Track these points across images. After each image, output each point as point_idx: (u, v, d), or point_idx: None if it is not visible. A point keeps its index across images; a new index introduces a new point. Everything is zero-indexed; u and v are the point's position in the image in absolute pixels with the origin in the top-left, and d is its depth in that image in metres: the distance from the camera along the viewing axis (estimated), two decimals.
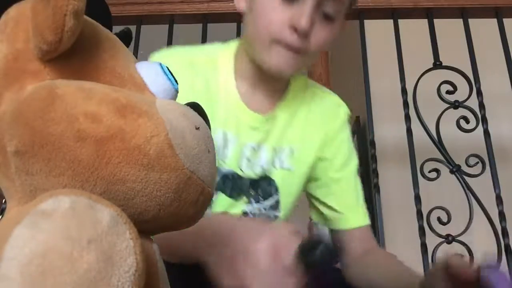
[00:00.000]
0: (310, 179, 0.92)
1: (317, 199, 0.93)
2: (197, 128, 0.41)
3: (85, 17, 0.41)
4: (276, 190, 0.88)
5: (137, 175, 0.37)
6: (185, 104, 0.44)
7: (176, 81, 0.45)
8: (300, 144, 0.90)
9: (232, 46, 0.89)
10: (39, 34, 0.37)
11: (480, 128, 1.27)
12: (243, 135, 0.85)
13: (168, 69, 0.46)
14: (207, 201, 0.43)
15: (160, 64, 0.46)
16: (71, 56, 0.40)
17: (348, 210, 0.91)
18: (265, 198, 0.87)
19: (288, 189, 0.89)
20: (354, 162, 0.94)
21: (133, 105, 0.38)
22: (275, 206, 0.87)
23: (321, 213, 0.93)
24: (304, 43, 0.75)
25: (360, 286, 0.78)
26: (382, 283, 0.80)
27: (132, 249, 0.32)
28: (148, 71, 0.45)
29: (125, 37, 0.50)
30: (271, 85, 0.86)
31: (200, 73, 0.84)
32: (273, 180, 0.87)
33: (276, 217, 0.87)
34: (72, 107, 0.36)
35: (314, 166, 0.91)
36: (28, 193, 0.37)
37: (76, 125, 0.36)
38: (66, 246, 0.29)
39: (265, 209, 0.87)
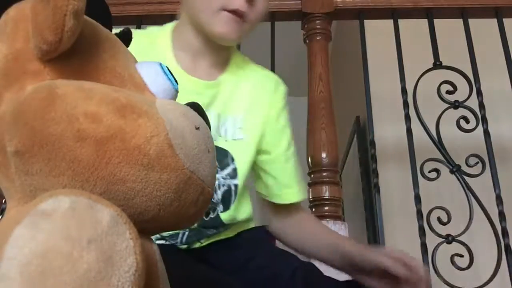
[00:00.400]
0: (258, 151, 0.96)
1: (263, 170, 0.97)
2: (197, 128, 0.41)
3: (85, 17, 0.41)
4: (232, 160, 0.90)
5: (137, 175, 0.37)
6: (185, 104, 0.44)
7: (176, 81, 0.45)
8: (245, 115, 0.93)
9: (168, 26, 0.95)
10: (39, 34, 0.37)
11: (480, 128, 1.27)
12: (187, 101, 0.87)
13: (168, 69, 0.46)
14: (207, 201, 0.43)
15: (160, 64, 0.46)
16: (71, 56, 0.40)
17: (288, 185, 0.97)
18: (222, 168, 0.89)
19: (242, 158, 0.91)
20: (292, 141, 1.01)
21: (133, 105, 0.38)
22: (233, 174, 0.90)
23: (265, 184, 0.98)
24: (250, 8, 0.83)
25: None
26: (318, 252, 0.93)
27: (132, 249, 0.32)
28: (148, 71, 0.45)
29: (125, 37, 0.50)
30: (214, 55, 0.91)
31: (144, 54, 0.85)
32: (227, 151, 0.90)
33: (235, 186, 0.89)
34: (72, 107, 0.36)
35: (261, 139, 0.95)
36: (28, 193, 0.37)
37: (76, 125, 0.36)
38: (66, 246, 0.29)
39: (224, 178, 0.89)
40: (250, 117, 0.93)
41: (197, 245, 0.85)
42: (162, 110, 0.40)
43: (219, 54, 0.92)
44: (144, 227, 0.39)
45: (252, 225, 0.95)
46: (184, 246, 0.85)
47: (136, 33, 0.86)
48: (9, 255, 0.29)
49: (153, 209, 0.38)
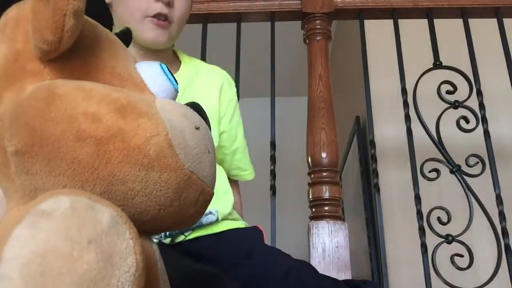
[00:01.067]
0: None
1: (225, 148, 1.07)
2: (197, 128, 0.41)
3: (85, 17, 0.41)
4: None
5: (137, 175, 0.37)
6: (185, 104, 0.44)
7: (176, 81, 0.45)
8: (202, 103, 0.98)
9: None
10: (39, 34, 0.37)
11: (480, 128, 1.27)
12: None
13: (168, 69, 0.46)
14: (208, 201, 0.43)
15: (160, 64, 0.46)
16: (71, 56, 0.40)
17: (244, 168, 1.11)
18: None
19: None
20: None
21: (133, 105, 0.38)
22: None
23: (226, 163, 1.08)
24: (170, 11, 0.91)
25: None
26: None
27: (132, 249, 0.32)
28: (148, 71, 0.45)
29: (125, 37, 0.50)
30: (156, 58, 0.94)
31: None
32: None
33: None
34: (72, 107, 0.36)
35: (219, 125, 1.03)
36: (28, 193, 0.37)
37: (76, 125, 0.36)
38: (66, 246, 0.29)
39: None
40: (207, 107, 0.96)
41: (181, 238, 0.85)
42: (162, 110, 0.40)
43: (160, 56, 0.96)
44: (144, 227, 0.39)
45: (242, 225, 0.95)
46: (168, 240, 0.85)
47: None
48: (9, 255, 0.29)
49: (153, 209, 0.38)
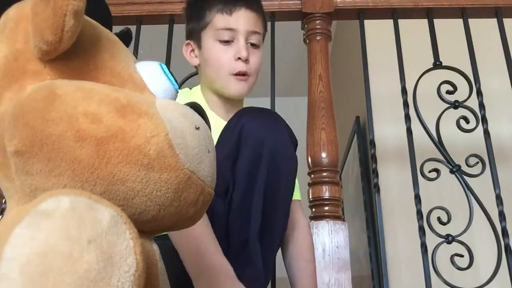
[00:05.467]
0: None
1: None
2: (197, 128, 0.41)
3: (86, 17, 0.41)
4: None
5: (137, 175, 0.37)
6: (185, 104, 0.44)
7: (176, 81, 0.45)
8: None
9: (197, 88, 1.22)
10: (39, 34, 0.37)
11: (480, 128, 1.26)
12: None
13: (168, 69, 0.45)
14: (207, 201, 0.43)
15: (160, 64, 0.46)
16: (71, 56, 0.40)
17: None
18: None
19: None
20: None
21: (133, 105, 0.38)
22: None
23: None
24: (247, 66, 1.11)
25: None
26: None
27: (132, 249, 0.32)
28: (148, 71, 0.45)
29: (125, 37, 0.50)
30: (234, 106, 1.16)
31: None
32: None
33: None
34: (72, 107, 0.36)
35: None
36: (28, 193, 0.37)
37: (76, 125, 0.36)
38: (66, 246, 0.29)
39: None
40: None
41: None
42: (162, 110, 0.40)
43: (238, 104, 1.18)
44: (145, 227, 0.39)
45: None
46: None
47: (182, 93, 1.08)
48: (9, 255, 0.29)
49: (153, 209, 0.38)
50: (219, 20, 1.13)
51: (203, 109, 0.46)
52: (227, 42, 1.12)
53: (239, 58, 1.10)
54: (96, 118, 0.36)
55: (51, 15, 0.36)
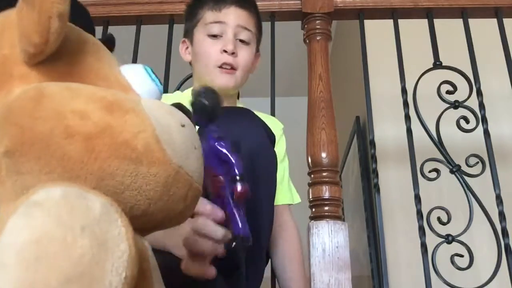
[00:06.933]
0: None
1: None
2: (183, 126, 0.42)
3: (70, 24, 0.42)
4: None
5: (126, 169, 0.37)
6: (170, 104, 0.45)
7: (160, 82, 0.46)
8: None
9: (189, 90, 1.20)
10: (25, 37, 0.38)
11: (480, 128, 1.26)
12: None
13: (152, 71, 0.47)
14: (196, 197, 0.44)
15: (144, 67, 0.47)
16: (58, 60, 0.41)
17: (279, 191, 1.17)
18: None
19: None
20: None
21: (120, 102, 0.39)
22: None
23: None
24: (234, 60, 1.12)
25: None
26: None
27: (124, 235, 0.33)
28: (133, 73, 0.46)
29: (109, 43, 0.51)
30: (225, 103, 1.11)
31: None
32: None
33: None
34: (60, 105, 0.37)
35: None
36: (19, 193, 0.38)
37: (65, 122, 0.36)
38: (59, 232, 0.30)
39: None
40: None
41: None
42: (148, 108, 0.41)
43: (228, 102, 1.14)
44: (136, 223, 0.39)
45: None
46: None
47: (167, 96, 1.13)
48: (4, 243, 0.30)
49: (143, 204, 0.39)
50: (209, 15, 1.15)
51: (188, 109, 0.47)
52: (215, 37, 1.13)
53: (225, 51, 1.11)
54: (84, 114, 0.37)
55: (37, 18, 0.37)
